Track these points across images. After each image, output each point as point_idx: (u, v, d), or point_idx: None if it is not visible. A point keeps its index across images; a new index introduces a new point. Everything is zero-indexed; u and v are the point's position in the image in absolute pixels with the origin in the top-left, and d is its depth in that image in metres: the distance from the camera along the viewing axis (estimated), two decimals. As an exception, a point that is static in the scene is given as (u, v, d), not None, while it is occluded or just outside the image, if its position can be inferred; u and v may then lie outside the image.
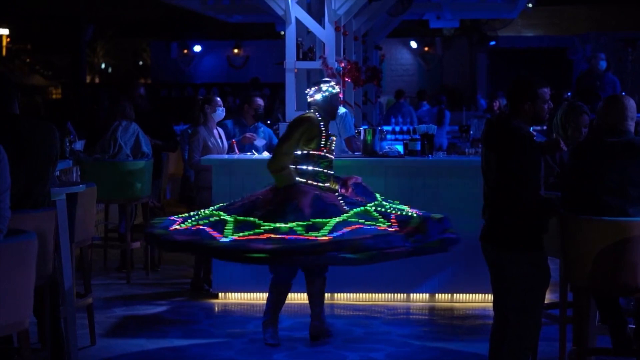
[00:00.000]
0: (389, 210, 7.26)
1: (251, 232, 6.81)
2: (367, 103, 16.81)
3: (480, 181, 5.87)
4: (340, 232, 6.79)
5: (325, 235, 6.75)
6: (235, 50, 33.05)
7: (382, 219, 7.08)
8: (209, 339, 7.73)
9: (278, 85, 18.36)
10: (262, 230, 6.81)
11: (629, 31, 27.52)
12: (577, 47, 29.56)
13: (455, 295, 8.96)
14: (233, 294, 9.04)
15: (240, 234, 6.81)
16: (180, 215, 7.37)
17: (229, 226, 6.91)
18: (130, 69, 38.23)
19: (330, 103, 7.66)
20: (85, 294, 7.50)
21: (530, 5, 22.90)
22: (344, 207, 7.14)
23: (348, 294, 8.94)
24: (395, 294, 8.98)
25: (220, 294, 9.06)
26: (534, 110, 5.62)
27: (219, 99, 9.80)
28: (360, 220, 7.00)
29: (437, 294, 8.98)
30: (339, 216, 6.98)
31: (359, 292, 8.95)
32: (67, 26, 31.93)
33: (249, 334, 7.86)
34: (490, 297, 8.53)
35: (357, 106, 13.79)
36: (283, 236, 6.74)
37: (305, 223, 6.87)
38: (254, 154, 9.32)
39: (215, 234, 6.86)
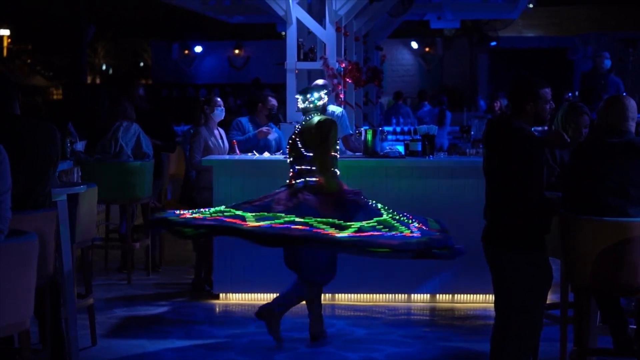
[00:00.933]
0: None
1: (351, 230, 6.90)
2: (368, 103, 16.81)
3: (481, 182, 5.86)
4: (418, 230, 7.02)
5: (411, 232, 6.96)
6: (236, 51, 33.08)
7: (404, 218, 7.25)
8: (210, 339, 7.73)
9: (279, 85, 18.37)
10: (356, 229, 6.93)
11: (630, 31, 27.53)
12: (577, 48, 29.56)
13: (456, 295, 8.95)
14: (234, 294, 9.04)
15: (349, 230, 6.90)
16: (227, 214, 7.23)
17: (322, 226, 6.96)
18: (130, 69, 38.24)
19: (326, 109, 7.86)
20: (86, 294, 7.50)
21: (530, 5, 22.89)
22: (372, 204, 7.38)
23: (349, 295, 8.94)
24: (396, 295, 8.98)
25: (221, 294, 9.06)
26: (535, 111, 5.62)
27: (218, 99, 9.81)
28: (403, 219, 7.20)
29: (437, 295, 8.98)
30: (383, 215, 7.22)
31: (360, 293, 8.95)
32: (68, 26, 31.94)
33: (250, 334, 7.86)
34: (490, 297, 8.55)
35: (357, 107, 13.79)
36: (381, 233, 6.90)
37: (375, 220, 7.07)
38: (255, 154, 9.32)
39: (322, 231, 6.90)
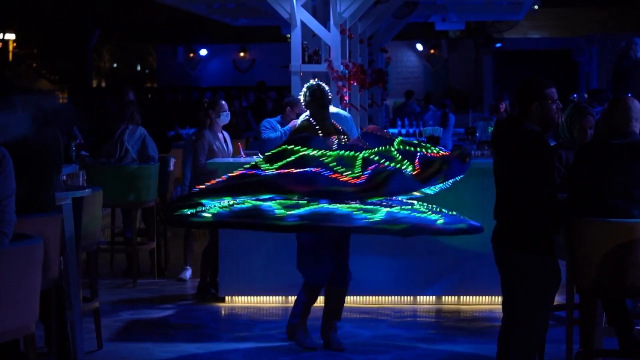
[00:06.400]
0: None
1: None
2: (372, 106, 16.81)
3: (486, 183, 5.86)
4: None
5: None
6: (241, 54, 33.11)
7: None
8: (215, 342, 7.73)
9: (284, 88, 18.39)
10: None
11: (635, 33, 27.50)
12: (582, 49, 29.53)
13: (461, 297, 8.94)
14: (240, 297, 9.03)
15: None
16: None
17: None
18: (126, 74, 38.33)
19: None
20: (92, 298, 7.50)
21: (535, 7, 22.89)
22: None
23: (355, 297, 8.92)
24: (402, 297, 8.97)
25: (226, 297, 9.05)
26: (541, 111, 5.60)
27: (224, 102, 9.81)
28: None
29: (443, 297, 8.96)
30: None
31: (366, 295, 8.94)
32: (73, 30, 32.02)
33: (255, 337, 7.85)
34: (496, 299, 8.55)
35: (362, 109, 13.79)
36: None
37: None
38: (259, 157, 9.31)
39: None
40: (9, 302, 4.82)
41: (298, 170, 6.83)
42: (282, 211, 6.74)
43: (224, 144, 9.68)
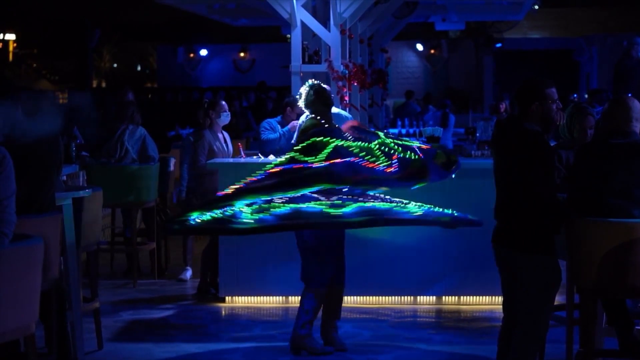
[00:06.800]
0: None
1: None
2: (372, 106, 16.80)
3: (487, 183, 5.86)
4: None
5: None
6: (242, 54, 33.13)
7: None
8: (215, 342, 7.73)
9: (284, 88, 18.40)
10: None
11: (634, 33, 27.50)
12: (583, 49, 29.52)
13: (462, 297, 8.94)
14: (240, 297, 9.03)
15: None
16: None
17: None
18: (126, 74, 38.36)
19: None
20: (92, 298, 7.51)
21: (535, 7, 22.89)
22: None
23: (355, 297, 8.93)
24: (402, 297, 8.97)
25: (227, 297, 9.05)
26: (542, 110, 5.61)
27: (224, 102, 9.81)
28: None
29: (444, 297, 8.96)
30: None
31: (366, 295, 8.94)
32: (73, 31, 32.01)
33: (255, 337, 7.85)
34: (497, 299, 8.56)
35: (362, 109, 13.79)
36: None
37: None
38: (259, 157, 9.32)
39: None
40: (9, 302, 4.82)
41: (341, 160, 6.79)
42: (332, 210, 6.68)
43: (224, 144, 9.68)
